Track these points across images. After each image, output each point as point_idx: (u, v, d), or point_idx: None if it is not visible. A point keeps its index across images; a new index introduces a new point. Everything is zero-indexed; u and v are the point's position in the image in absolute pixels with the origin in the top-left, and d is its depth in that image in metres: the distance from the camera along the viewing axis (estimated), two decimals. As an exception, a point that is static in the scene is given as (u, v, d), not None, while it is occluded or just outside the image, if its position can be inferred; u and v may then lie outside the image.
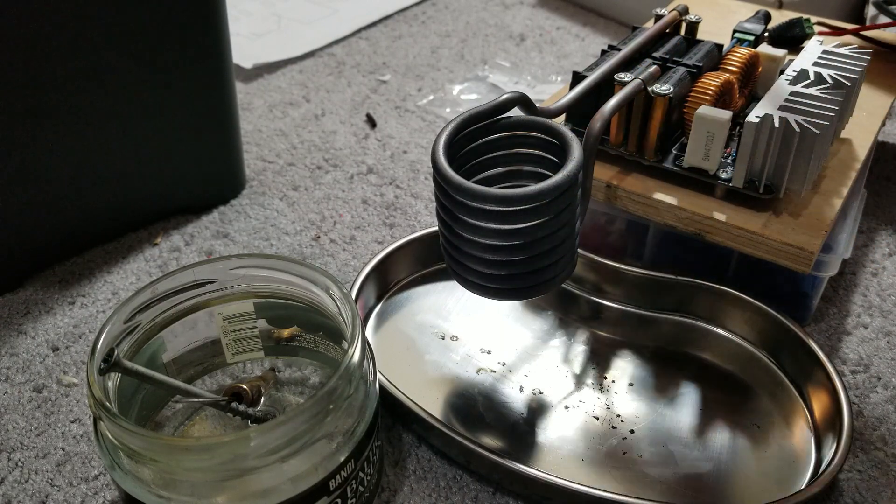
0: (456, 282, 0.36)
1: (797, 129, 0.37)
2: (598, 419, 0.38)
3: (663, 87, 0.39)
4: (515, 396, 0.39)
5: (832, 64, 0.42)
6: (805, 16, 0.52)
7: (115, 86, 0.43)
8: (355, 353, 0.30)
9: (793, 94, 0.39)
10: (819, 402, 0.38)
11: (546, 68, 0.70)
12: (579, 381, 0.40)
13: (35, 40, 0.39)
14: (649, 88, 0.39)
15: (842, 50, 0.43)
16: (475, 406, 0.38)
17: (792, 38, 0.50)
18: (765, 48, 0.45)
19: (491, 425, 0.37)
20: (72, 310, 0.45)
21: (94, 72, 0.42)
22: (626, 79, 0.39)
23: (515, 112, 0.34)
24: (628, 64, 0.42)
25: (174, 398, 0.36)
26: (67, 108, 0.42)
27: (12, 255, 0.45)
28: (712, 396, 0.39)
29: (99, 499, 0.35)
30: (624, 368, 0.40)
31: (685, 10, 0.46)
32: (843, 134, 0.45)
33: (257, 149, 0.59)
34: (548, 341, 0.42)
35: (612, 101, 0.37)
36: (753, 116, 0.37)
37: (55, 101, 0.42)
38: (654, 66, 0.41)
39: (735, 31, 0.46)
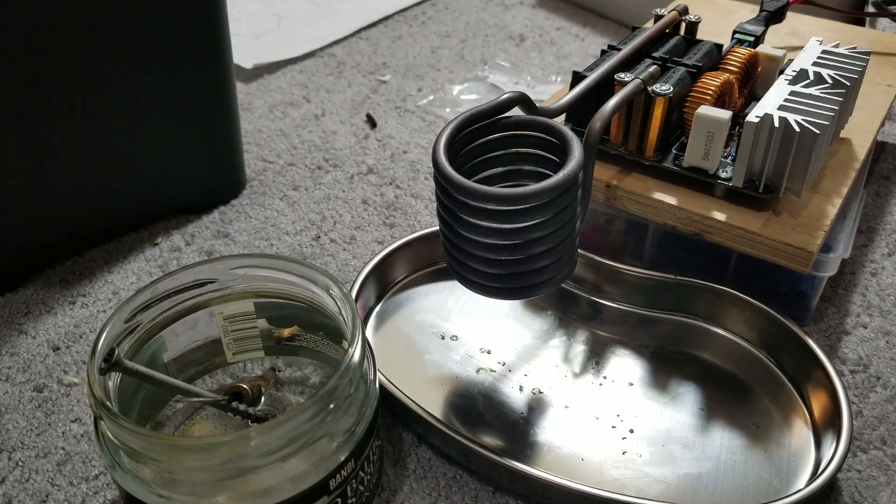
0: (456, 281, 0.36)
1: (797, 128, 0.37)
2: (597, 419, 0.38)
3: (663, 87, 0.39)
4: (515, 396, 0.39)
5: (832, 64, 0.42)
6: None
7: (115, 86, 0.44)
8: (355, 353, 0.30)
9: (792, 93, 0.39)
10: (818, 402, 0.38)
11: (546, 68, 0.70)
12: (579, 380, 0.40)
13: (35, 40, 0.39)
14: (649, 88, 0.39)
15: (841, 50, 0.43)
16: (475, 406, 0.38)
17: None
18: (764, 48, 0.45)
19: (491, 425, 0.37)
20: (72, 309, 0.45)
21: (94, 72, 0.42)
22: (626, 79, 0.39)
23: (516, 112, 0.34)
24: (628, 64, 0.42)
25: (175, 398, 0.36)
26: (68, 108, 0.42)
27: (13, 255, 0.45)
28: (712, 396, 0.39)
29: (99, 498, 0.35)
30: (624, 368, 0.40)
31: (685, 11, 0.46)
32: (843, 134, 0.45)
33: (257, 149, 0.59)
34: (547, 341, 0.42)
35: (613, 101, 0.37)
36: (753, 116, 0.37)
37: (55, 101, 0.42)
38: (654, 66, 0.41)
39: (735, 32, 0.46)
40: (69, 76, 0.42)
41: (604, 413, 0.38)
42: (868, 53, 0.43)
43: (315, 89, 0.67)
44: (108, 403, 0.28)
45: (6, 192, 0.43)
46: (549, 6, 0.82)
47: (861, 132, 0.45)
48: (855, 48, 0.43)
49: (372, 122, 0.62)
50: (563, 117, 0.43)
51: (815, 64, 0.42)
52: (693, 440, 0.37)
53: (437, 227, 0.40)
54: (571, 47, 0.74)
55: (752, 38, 0.46)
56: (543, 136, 0.34)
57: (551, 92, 0.66)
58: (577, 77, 0.41)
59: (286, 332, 0.37)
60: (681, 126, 0.42)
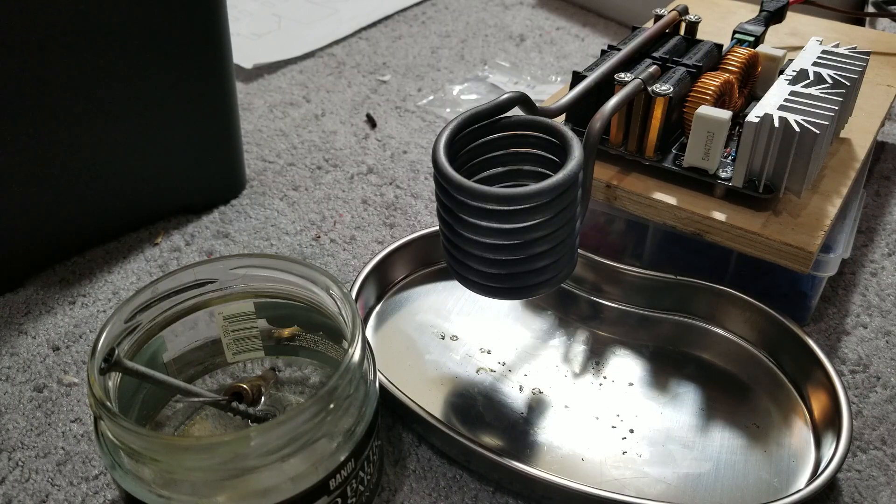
0: (456, 281, 0.36)
1: (797, 128, 0.37)
2: (597, 418, 0.38)
3: (663, 87, 0.39)
4: (515, 396, 0.39)
5: (832, 64, 0.42)
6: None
7: (115, 86, 0.44)
8: (355, 353, 0.30)
9: (792, 93, 0.39)
10: (818, 402, 0.38)
11: (546, 68, 0.70)
12: (579, 380, 0.40)
13: (35, 40, 0.39)
14: (649, 88, 0.39)
15: (841, 50, 0.43)
16: (475, 406, 0.38)
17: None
18: (764, 48, 0.45)
19: (491, 425, 0.37)
20: (72, 309, 0.45)
21: (94, 72, 0.42)
22: (626, 79, 0.39)
23: (516, 112, 0.34)
24: (628, 64, 0.42)
25: (175, 398, 0.36)
26: (68, 108, 0.42)
27: (13, 255, 0.45)
28: (712, 396, 0.39)
29: (99, 498, 0.35)
30: (623, 368, 0.40)
31: (685, 11, 0.46)
32: (843, 134, 0.45)
33: (257, 149, 0.59)
34: (547, 341, 0.42)
35: (613, 101, 0.37)
36: (753, 116, 0.37)
37: (55, 101, 0.42)
38: (654, 66, 0.41)
39: (735, 32, 0.46)
40: (69, 76, 0.42)
41: (604, 413, 0.38)
42: (868, 53, 0.43)
43: (315, 89, 0.67)
44: (108, 403, 0.28)
45: (6, 192, 0.43)
46: (549, 6, 0.82)
47: (861, 132, 0.45)
48: (855, 48, 0.43)
49: (372, 122, 0.62)
50: (563, 117, 0.43)
51: (815, 64, 0.42)
52: (693, 440, 0.37)
53: (437, 227, 0.40)
54: (571, 47, 0.74)
55: (752, 38, 0.46)
56: (543, 136, 0.34)
57: (551, 92, 0.66)
58: (577, 77, 0.41)
59: (286, 332, 0.37)
60: (681, 126, 0.42)
